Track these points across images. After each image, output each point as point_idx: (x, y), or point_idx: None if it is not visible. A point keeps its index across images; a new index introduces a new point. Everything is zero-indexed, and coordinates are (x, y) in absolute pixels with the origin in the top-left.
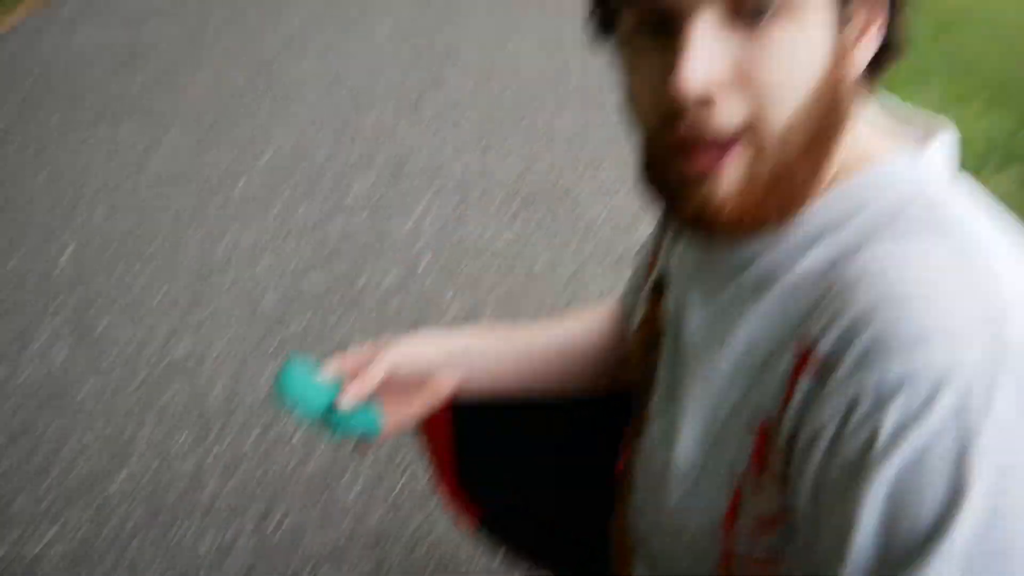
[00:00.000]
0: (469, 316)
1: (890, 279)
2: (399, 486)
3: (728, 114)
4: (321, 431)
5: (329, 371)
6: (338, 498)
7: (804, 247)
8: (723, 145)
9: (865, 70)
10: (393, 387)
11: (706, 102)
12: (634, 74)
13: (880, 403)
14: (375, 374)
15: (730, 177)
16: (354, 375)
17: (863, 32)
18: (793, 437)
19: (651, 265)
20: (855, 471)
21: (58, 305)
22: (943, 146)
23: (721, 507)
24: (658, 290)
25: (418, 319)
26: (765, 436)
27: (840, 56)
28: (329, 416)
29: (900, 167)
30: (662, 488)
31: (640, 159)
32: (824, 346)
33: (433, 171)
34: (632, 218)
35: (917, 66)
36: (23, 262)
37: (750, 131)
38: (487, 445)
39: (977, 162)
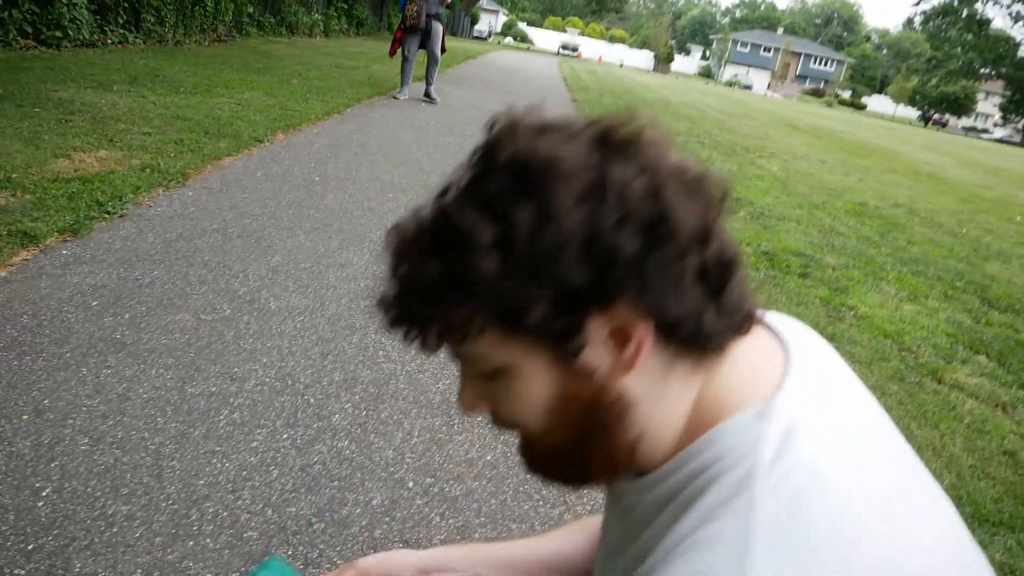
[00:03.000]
0: (460, 536)
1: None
2: None
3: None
4: None
5: None
6: None
7: (660, 505)
8: None
9: (691, 349)
10: None
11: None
12: None
13: None
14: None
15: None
16: None
17: (619, 357)
18: None
19: None
20: None
21: (33, 548)
22: (794, 387)
23: None
24: None
25: (407, 543)
26: None
27: (581, 381)
28: None
29: (730, 436)
30: None
31: None
32: None
33: (416, 391)
34: None
35: (870, 269)
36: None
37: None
38: None
39: (945, 355)
